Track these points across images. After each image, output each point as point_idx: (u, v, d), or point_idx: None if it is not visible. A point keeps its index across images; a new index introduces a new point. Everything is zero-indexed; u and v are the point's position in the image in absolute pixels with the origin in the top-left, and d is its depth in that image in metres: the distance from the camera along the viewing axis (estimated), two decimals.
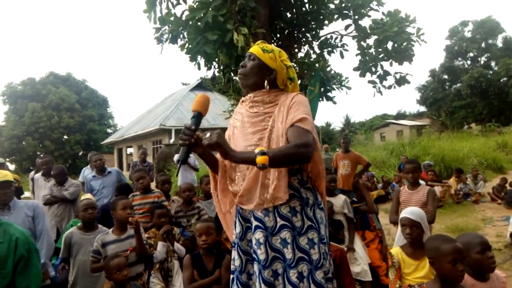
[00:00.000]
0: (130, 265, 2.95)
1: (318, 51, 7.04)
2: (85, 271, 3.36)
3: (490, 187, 9.98)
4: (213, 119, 19.23)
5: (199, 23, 5.43)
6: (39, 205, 3.23)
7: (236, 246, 1.98)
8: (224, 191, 2.06)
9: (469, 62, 35.22)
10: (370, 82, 6.78)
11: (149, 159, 15.09)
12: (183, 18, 5.97)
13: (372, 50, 6.74)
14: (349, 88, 7.58)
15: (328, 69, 7.45)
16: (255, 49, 2.00)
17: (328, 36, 6.92)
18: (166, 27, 6.38)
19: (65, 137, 32.82)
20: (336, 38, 6.88)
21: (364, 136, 33.04)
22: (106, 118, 36.92)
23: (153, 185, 4.72)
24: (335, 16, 6.79)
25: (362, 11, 6.52)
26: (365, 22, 6.57)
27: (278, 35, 6.82)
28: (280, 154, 1.66)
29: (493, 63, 33.31)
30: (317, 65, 6.89)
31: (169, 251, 3.59)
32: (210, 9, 5.28)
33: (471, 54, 34.63)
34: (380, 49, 6.62)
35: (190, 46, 5.50)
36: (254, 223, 1.89)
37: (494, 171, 12.79)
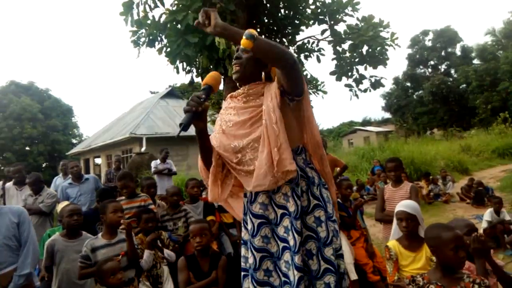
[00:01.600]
0: (121, 270, 2.84)
1: (295, 55, 7.13)
2: (69, 280, 3.20)
3: (458, 188, 10.42)
4: None
5: (178, 26, 5.38)
6: (25, 211, 3.05)
7: (248, 244, 1.94)
8: (215, 182, 1.99)
9: (430, 70, 36.77)
10: (346, 85, 6.93)
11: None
12: (161, 21, 5.91)
13: (347, 55, 6.89)
14: (325, 92, 7.72)
15: (304, 73, 7.56)
16: (248, 43, 1.84)
17: (305, 41, 7.03)
18: (143, 30, 6.29)
19: (28, 148, 31.39)
20: (313, 42, 7.01)
21: (333, 142, 33.69)
22: (70, 128, 35.67)
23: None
24: (311, 21, 6.91)
25: (337, 16, 6.68)
26: (341, 27, 6.71)
27: None
28: (268, 44, 1.65)
29: (452, 71, 34.93)
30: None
31: (157, 257, 3.48)
32: (190, 11, 5.25)
33: (432, 62, 36.18)
34: (355, 54, 6.79)
35: (170, 48, 5.43)
36: (279, 211, 1.86)
37: (460, 173, 13.34)
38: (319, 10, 6.73)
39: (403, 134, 28.49)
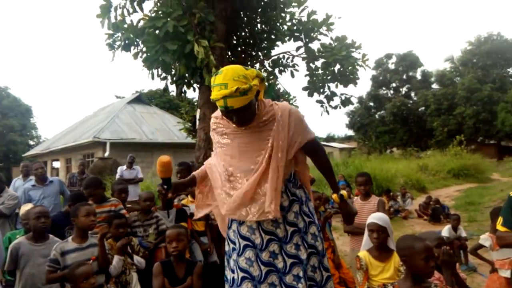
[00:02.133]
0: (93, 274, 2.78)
1: (270, 69, 7.29)
2: (33, 285, 3.10)
3: (416, 205, 10.91)
4: (151, 134, 18.70)
5: (157, 32, 5.38)
6: None
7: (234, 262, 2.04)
8: (202, 208, 2.28)
9: (392, 91, 38.34)
10: (318, 101, 7.15)
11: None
12: (139, 26, 5.89)
13: (320, 72, 7.12)
14: (296, 107, 7.89)
15: (277, 87, 7.73)
16: (237, 102, 1.82)
17: (281, 56, 7.21)
18: (119, 34, 6.23)
19: None
20: (288, 58, 7.20)
21: None
22: (28, 129, 34.11)
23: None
24: (287, 38, 7.11)
25: (312, 34, 6.90)
26: (315, 45, 6.94)
27: (233, 51, 6.95)
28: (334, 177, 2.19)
29: (412, 94, 36.62)
30: (271, 81, 7.12)
31: (127, 264, 3.43)
32: (170, 19, 5.27)
33: (394, 84, 37.77)
34: (327, 71, 7.03)
35: (148, 54, 5.41)
36: (266, 237, 1.99)
37: (417, 191, 13.96)
38: (295, 27, 6.92)
39: (365, 151, 29.42)
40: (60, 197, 5.52)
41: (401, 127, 34.33)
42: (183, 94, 6.87)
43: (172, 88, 6.83)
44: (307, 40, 6.93)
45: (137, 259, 3.51)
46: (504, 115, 25.64)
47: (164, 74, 6.39)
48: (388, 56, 37.44)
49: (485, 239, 3.70)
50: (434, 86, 34.60)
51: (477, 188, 14.55)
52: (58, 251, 2.89)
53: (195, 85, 6.97)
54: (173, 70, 6.04)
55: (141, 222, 3.93)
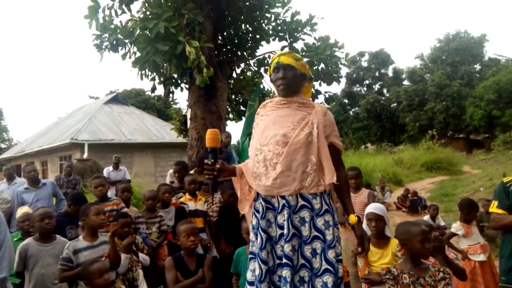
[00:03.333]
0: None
1: (256, 68, 7.45)
2: (43, 285, 3.16)
3: (394, 197, 11.35)
4: (130, 134, 18.53)
5: (147, 33, 5.44)
6: (1, 214, 2.96)
7: (257, 227, 2.15)
8: (241, 202, 2.35)
9: (365, 88, 39.25)
10: None
11: (56, 175, 13.89)
12: (128, 27, 5.93)
13: None
14: None
15: (261, 86, 7.89)
16: (289, 60, 2.21)
17: (266, 55, 7.38)
18: (107, 34, 6.24)
19: None
20: None
21: None
22: (0, 132, 32.99)
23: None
24: (272, 38, 7.28)
25: (296, 34, 7.10)
26: (299, 45, 7.14)
27: (219, 51, 7.07)
28: (350, 197, 2.31)
29: (385, 90, 37.61)
30: (256, 80, 7.28)
31: (133, 261, 3.52)
32: (160, 20, 5.34)
33: (367, 82, 38.68)
34: (311, 70, 7.25)
35: (139, 55, 5.47)
36: (281, 202, 2.09)
37: (394, 184, 14.46)
38: (279, 28, 7.10)
39: (343, 147, 30.02)
40: (52, 199, 5.50)
41: (375, 123, 35.21)
42: (171, 94, 6.94)
43: (160, 89, 6.85)
44: (291, 40, 7.13)
45: (142, 256, 3.60)
46: (472, 110, 26.75)
47: (153, 75, 6.44)
48: (361, 54, 38.28)
49: (457, 228, 3.98)
50: (406, 82, 35.66)
51: (450, 180, 15.21)
52: (71, 250, 2.96)
53: (182, 85, 7.07)
54: (163, 70, 6.10)
55: (145, 219, 4.02)
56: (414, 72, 33.58)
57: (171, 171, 9.02)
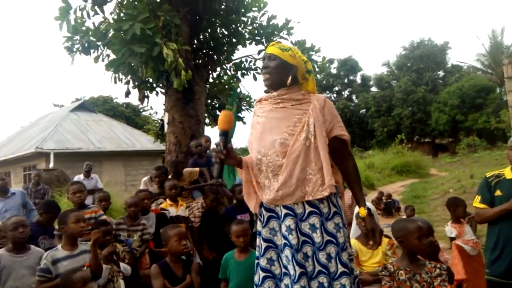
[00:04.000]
0: None
1: (233, 72, 7.39)
2: None
3: (368, 200, 11.51)
4: (99, 142, 17.96)
5: (122, 35, 5.28)
6: None
7: (259, 234, 2.08)
8: (250, 195, 2.19)
9: (335, 95, 39.98)
10: None
11: (20, 186, 13.24)
12: (101, 29, 5.73)
13: None
14: None
15: (238, 90, 7.83)
16: (273, 49, 2.13)
17: (243, 59, 7.33)
18: (78, 37, 6.01)
19: None
20: (250, 61, 7.34)
21: None
22: None
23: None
24: (248, 41, 7.25)
25: (273, 38, 7.10)
26: None
27: (195, 54, 6.96)
28: (361, 189, 2.22)
29: (354, 97, 38.46)
30: (233, 84, 7.21)
31: (113, 271, 3.35)
32: (136, 21, 5.19)
33: (337, 88, 39.43)
34: None
35: (115, 57, 5.28)
36: (284, 211, 2.02)
37: (367, 187, 14.70)
38: (256, 31, 7.07)
39: None
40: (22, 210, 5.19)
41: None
42: (145, 99, 6.75)
43: (134, 93, 6.66)
44: (268, 43, 7.10)
45: (123, 266, 3.44)
46: (437, 115, 27.76)
47: (127, 78, 6.26)
48: (331, 61, 39.01)
49: (450, 231, 4.02)
50: (373, 89, 36.60)
51: (420, 182, 15.63)
52: (49, 260, 2.76)
53: (158, 89, 6.90)
54: (139, 73, 5.92)
55: (127, 227, 3.85)
56: (382, 78, 34.54)
57: (145, 179, 8.75)
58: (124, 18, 5.23)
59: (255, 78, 7.39)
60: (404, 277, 2.38)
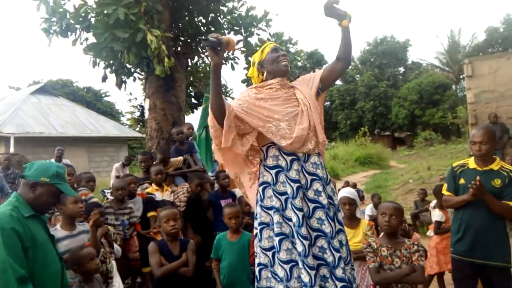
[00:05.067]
0: None
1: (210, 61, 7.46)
2: None
3: (336, 189, 12.01)
4: (61, 127, 17.39)
5: (106, 19, 5.24)
6: None
7: (290, 205, 2.28)
8: (229, 130, 2.26)
9: None
10: None
11: None
12: (81, 12, 5.65)
13: None
14: (233, 98, 8.20)
15: None
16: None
17: None
18: (55, 18, 5.89)
19: None
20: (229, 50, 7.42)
21: None
22: None
23: None
24: (227, 31, 7.33)
25: (251, 29, 7.23)
26: (254, 39, 7.29)
27: (175, 42, 6.97)
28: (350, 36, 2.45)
29: None
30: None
31: (106, 252, 3.44)
32: (120, 6, 5.17)
33: None
34: None
35: (94, 41, 5.24)
36: (310, 177, 2.33)
37: (332, 178, 15.23)
38: (235, 21, 7.16)
39: None
40: None
41: None
42: (123, 84, 6.71)
43: (113, 77, 6.60)
44: (246, 34, 7.25)
45: (115, 247, 3.53)
46: (397, 109, 28.99)
47: (105, 63, 6.20)
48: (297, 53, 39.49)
49: (440, 215, 4.36)
50: (338, 82, 37.49)
51: (381, 173, 16.41)
52: None
53: (136, 75, 6.88)
54: (121, 58, 5.89)
55: (114, 210, 3.92)
56: (346, 72, 35.41)
57: (116, 165, 8.76)
58: (107, 2, 5.17)
59: (232, 68, 7.51)
60: (386, 253, 2.68)
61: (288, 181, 2.29)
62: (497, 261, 2.90)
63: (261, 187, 2.38)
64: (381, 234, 2.87)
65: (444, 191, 3.23)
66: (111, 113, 32.85)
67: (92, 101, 33.08)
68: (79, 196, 3.07)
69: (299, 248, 2.19)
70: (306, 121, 2.32)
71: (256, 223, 2.40)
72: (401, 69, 35.00)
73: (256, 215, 2.41)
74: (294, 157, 2.32)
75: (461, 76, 32.19)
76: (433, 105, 27.14)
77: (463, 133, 23.52)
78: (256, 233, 2.38)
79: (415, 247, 2.67)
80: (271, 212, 2.32)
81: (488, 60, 9.36)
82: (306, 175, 2.32)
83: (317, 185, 2.31)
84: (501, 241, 2.97)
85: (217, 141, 2.31)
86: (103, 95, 36.20)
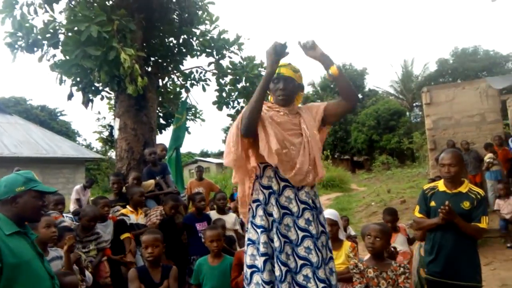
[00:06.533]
0: None
1: (183, 82, 7.41)
2: None
3: None
4: (14, 147, 16.47)
5: (77, 36, 5.10)
6: None
7: (275, 229, 2.25)
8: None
9: None
10: (228, 115, 7.56)
11: None
12: (49, 27, 5.47)
13: (228, 88, 7.54)
14: (203, 120, 8.17)
15: (188, 100, 7.87)
16: (289, 72, 2.38)
17: (194, 70, 7.41)
18: (21, 33, 5.65)
19: None
20: (200, 72, 7.44)
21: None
22: None
23: None
24: (199, 53, 7.36)
25: (224, 52, 7.31)
26: (225, 62, 7.36)
27: (146, 62, 6.88)
28: (347, 79, 2.37)
29: None
30: (184, 93, 7.24)
31: (78, 280, 3.23)
32: (93, 24, 5.06)
33: None
34: (233, 87, 7.50)
35: (64, 58, 5.07)
36: (302, 206, 2.31)
37: None
38: (207, 44, 7.20)
39: None
40: None
41: None
42: (90, 103, 6.48)
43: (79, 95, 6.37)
44: (218, 56, 7.30)
45: (87, 274, 3.32)
46: (356, 134, 29.99)
47: (73, 81, 6.00)
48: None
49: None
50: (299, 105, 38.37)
51: (344, 196, 16.75)
52: None
53: (103, 93, 6.69)
54: (91, 77, 5.71)
55: (80, 239, 3.69)
56: (308, 97, 36.34)
57: (77, 187, 8.37)
58: (79, 19, 5.05)
59: (204, 89, 7.51)
60: (372, 274, 2.70)
61: (277, 205, 2.29)
62: (468, 281, 2.99)
63: (255, 205, 2.36)
64: (367, 255, 2.91)
65: (417, 213, 3.32)
66: (67, 132, 31.64)
67: (47, 120, 31.81)
68: (52, 220, 2.88)
69: (277, 272, 2.20)
70: (307, 154, 2.31)
71: (246, 237, 2.42)
72: (359, 96, 36.44)
73: (247, 229, 2.41)
74: (287, 183, 2.31)
75: (414, 104, 34.11)
76: (389, 131, 28.31)
77: (417, 158, 24.68)
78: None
79: (401, 269, 2.72)
80: (259, 230, 2.30)
81: (445, 89, 9.98)
82: (299, 203, 2.31)
83: (308, 215, 2.31)
84: (471, 262, 3.08)
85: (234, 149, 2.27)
86: (59, 114, 34.83)
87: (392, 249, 3.20)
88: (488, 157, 8.17)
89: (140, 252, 4.23)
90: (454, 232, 3.00)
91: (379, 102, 30.77)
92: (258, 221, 2.31)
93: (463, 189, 3.12)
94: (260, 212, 2.31)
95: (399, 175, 21.57)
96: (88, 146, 31.42)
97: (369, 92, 35.65)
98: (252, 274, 2.28)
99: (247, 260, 2.33)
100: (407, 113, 31.48)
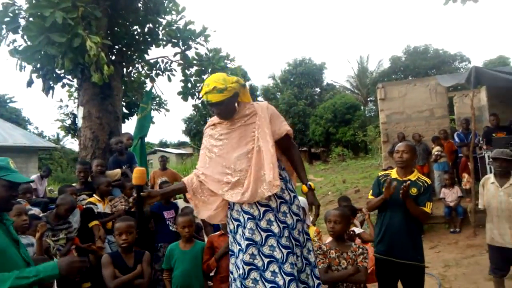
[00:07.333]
0: None
1: (148, 72, 7.37)
2: None
3: None
4: None
5: (41, 22, 4.98)
6: None
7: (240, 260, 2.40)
8: (204, 203, 2.54)
9: None
10: (193, 106, 7.63)
11: None
12: (9, 11, 5.28)
13: (193, 78, 7.60)
14: (167, 110, 8.17)
15: (153, 90, 7.83)
16: (215, 97, 2.33)
17: (159, 60, 7.37)
18: None
19: None
20: (166, 62, 7.42)
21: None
22: None
23: None
24: (164, 43, 7.34)
25: (190, 43, 7.34)
26: (192, 53, 7.39)
27: (111, 50, 6.79)
28: (305, 170, 2.62)
29: None
30: (149, 83, 7.21)
31: None
32: (57, 9, 4.96)
33: None
34: (198, 78, 7.57)
35: (31, 44, 4.93)
36: (246, 216, 2.42)
37: None
38: (173, 34, 7.20)
39: None
40: None
41: None
42: (51, 90, 6.32)
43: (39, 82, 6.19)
44: (184, 47, 7.32)
45: None
46: (314, 127, 30.78)
47: (34, 67, 5.83)
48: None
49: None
50: (260, 99, 38.69)
51: (302, 185, 17.21)
52: None
53: (65, 81, 6.55)
54: (55, 64, 5.57)
55: (51, 226, 3.69)
56: (268, 90, 36.77)
57: (34, 176, 8.14)
58: (43, 4, 4.92)
59: (169, 79, 7.50)
60: (334, 255, 2.97)
61: (243, 236, 2.41)
62: (411, 260, 3.31)
63: (230, 234, 2.55)
64: (330, 238, 3.17)
65: (370, 196, 3.64)
66: (17, 120, 29.99)
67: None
68: (22, 208, 2.88)
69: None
70: (260, 161, 2.39)
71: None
72: (318, 90, 37.31)
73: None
74: (249, 216, 2.39)
75: (368, 99, 35.48)
76: (345, 124, 29.30)
77: (370, 150, 25.79)
78: None
79: (360, 250, 3.00)
80: (233, 256, 2.51)
81: (398, 86, 10.58)
82: (261, 232, 2.37)
83: (272, 241, 2.35)
84: (415, 243, 3.41)
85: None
86: (8, 101, 32.92)
87: (352, 232, 3.49)
88: (436, 150, 8.81)
89: (108, 240, 4.29)
90: (401, 215, 3.32)
91: (336, 96, 31.71)
92: (233, 247, 2.52)
93: (412, 177, 3.44)
94: (231, 239, 2.54)
95: (353, 166, 22.46)
96: (40, 135, 30.02)
97: (327, 86, 36.60)
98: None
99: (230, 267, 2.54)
100: (362, 107, 32.69)
